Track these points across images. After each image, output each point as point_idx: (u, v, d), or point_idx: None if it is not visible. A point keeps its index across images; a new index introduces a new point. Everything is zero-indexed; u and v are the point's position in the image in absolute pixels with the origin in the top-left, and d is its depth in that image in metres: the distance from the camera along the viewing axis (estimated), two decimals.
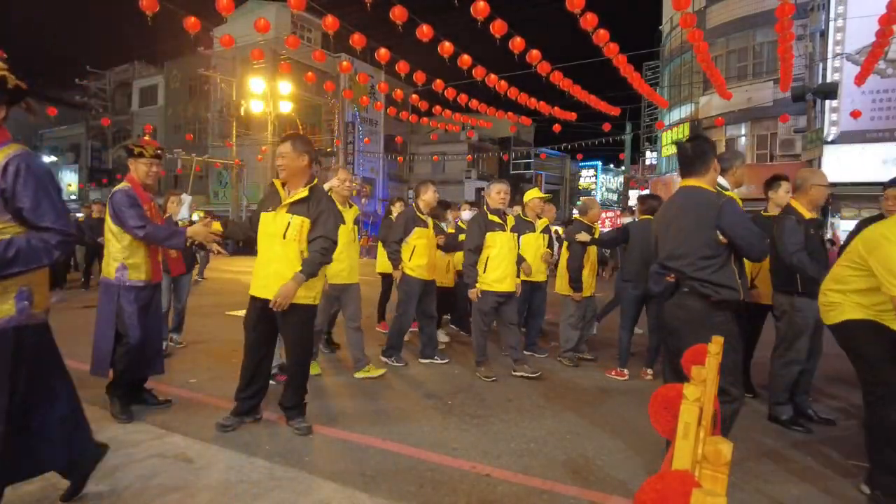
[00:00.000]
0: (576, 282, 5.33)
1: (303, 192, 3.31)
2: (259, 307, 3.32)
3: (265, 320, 3.35)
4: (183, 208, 4.78)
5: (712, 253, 2.74)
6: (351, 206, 4.85)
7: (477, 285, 4.83)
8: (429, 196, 5.44)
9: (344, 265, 4.60)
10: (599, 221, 6.39)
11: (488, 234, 4.82)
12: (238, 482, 2.69)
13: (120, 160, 37.18)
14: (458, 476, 2.90)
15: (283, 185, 3.41)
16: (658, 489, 0.92)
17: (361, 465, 3.00)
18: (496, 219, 4.87)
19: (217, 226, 3.50)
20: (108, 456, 2.91)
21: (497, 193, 4.91)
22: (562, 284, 5.58)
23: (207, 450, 3.04)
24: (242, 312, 8.09)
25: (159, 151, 3.69)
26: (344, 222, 4.50)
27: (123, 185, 3.56)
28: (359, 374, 4.70)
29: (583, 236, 5.27)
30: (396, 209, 6.83)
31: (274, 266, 3.26)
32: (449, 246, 5.83)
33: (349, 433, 3.45)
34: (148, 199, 3.63)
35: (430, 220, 5.47)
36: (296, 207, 3.29)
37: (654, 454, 3.21)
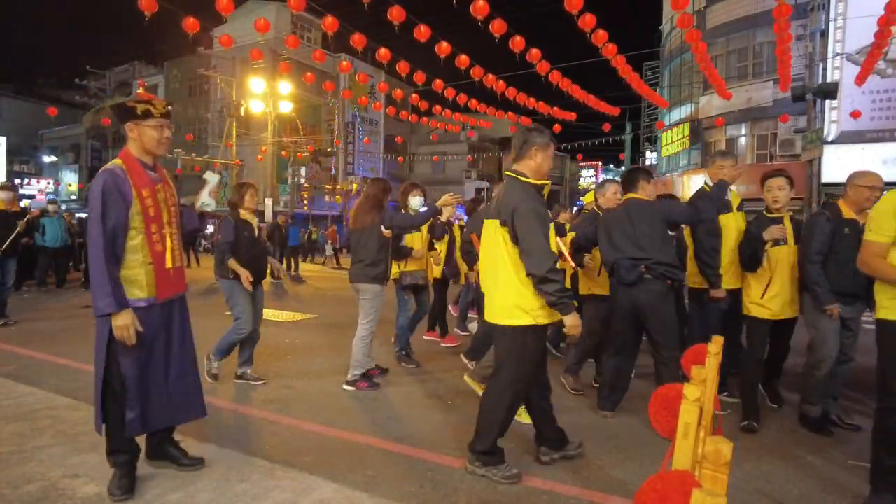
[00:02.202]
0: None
1: None
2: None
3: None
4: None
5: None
6: None
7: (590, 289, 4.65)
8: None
9: None
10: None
11: None
12: (238, 482, 2.69)
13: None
14: (458, 476, 2.90)
15: None
16: (658, 489, 0.92)
17: (361, 465, 3.00)
18: None
19: None
20: None
21: (614, 194, 4.58)
22: None
23: (207, 450, 3.04)
24: None
25: (170, 108, 2.71)
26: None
27: (112, 163, 2.57)
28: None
29: None
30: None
31: None
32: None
33: (349, 433, 3.46)
34: (151, 182, 2.58)
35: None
36: None
37: (655, 454, 3.22)
